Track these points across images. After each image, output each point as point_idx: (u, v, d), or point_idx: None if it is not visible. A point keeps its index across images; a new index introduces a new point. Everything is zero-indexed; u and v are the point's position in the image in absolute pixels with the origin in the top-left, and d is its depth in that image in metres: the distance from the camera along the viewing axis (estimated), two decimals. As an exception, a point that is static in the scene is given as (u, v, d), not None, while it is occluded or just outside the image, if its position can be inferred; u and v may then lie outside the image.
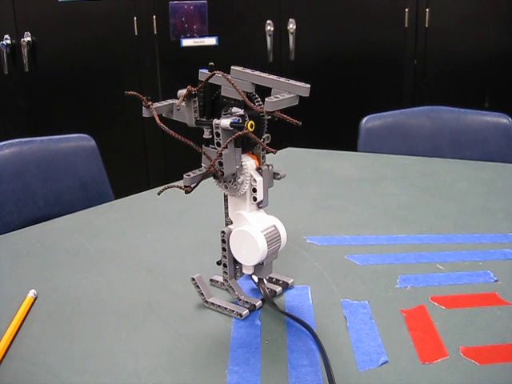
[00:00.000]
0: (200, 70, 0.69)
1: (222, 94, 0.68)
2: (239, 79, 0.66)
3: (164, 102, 0.71)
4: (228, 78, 0.66)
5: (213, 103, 0.70)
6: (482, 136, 1.56)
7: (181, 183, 0.70)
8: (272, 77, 0.65)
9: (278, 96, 0.64)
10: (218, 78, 0.67)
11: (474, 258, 0.86)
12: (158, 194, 0.71)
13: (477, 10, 2.29)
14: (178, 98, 0.70)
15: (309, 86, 0.63)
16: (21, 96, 2.43)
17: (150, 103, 0.69)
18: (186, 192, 0.69)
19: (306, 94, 0.64)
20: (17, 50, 2.36)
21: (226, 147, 0.67)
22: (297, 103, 0.65)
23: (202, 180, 0.69)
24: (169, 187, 0.71)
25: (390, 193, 1.13)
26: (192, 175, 0.69)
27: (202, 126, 0.71)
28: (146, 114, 0.70)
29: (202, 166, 0.70)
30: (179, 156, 2.43)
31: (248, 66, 0.68)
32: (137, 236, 0.97)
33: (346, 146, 1.48)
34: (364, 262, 0.85)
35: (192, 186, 0.69)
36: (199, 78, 0.69)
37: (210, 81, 0.67)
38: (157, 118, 0.69)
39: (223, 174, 0.68)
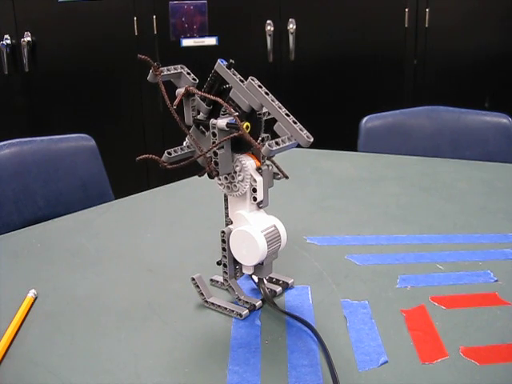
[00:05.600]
0: (218, 61, 0.68)
1: (231, 95, 0.67)
2: (251, 93, 0.66)
3: (172, 70, 0.71)
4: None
5: (220, 94, 0.70)
6: (482, 136, 1.56)
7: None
8: (282, 111, 0.65)
9: (279, 142, 0.64)
10: (230, 78, 0.67)
11: (474, 257, 0.86)
12: (137, 160, 0.70)
13: (477, 9, 2.29)
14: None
15: (311, 139, 0.63)
16: (21, 96, 2.43)
17: (159, 72, 0.69)
18: (162, 167, 0.69)
19: (305, 146, 0.64)
20: (17, 50, 2.36)
21: (220, 146, 0.67)
22: (294, 147, 0.65)
23: (185, 165, 0.69)
24: (150, 158, 0.70)
25: (390, 193, 1.13)
26: (173, 154, 0.69)
27: (200, 125, 0.71)
28: (151, 78, 0.70)
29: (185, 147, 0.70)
30: (179, 156, 2.43)
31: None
32: (137, 236, 0.97)
33: (346, 146, 1.48)
34: (364, 262, 0.85)
35: (170, 165, 0.69)
36: (215, 68, 0.68)
37: (224, 76, 0.67)
38: (161, 86, 0.68)
39: (218, 173, 0.68)
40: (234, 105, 0.68)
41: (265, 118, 0.70)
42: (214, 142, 0.68)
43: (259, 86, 0.65)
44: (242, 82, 0.67)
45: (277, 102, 0.65)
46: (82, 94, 2.44)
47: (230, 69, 0.67)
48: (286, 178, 0.68)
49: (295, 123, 0.64)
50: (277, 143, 0.64)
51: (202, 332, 0.69)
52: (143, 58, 0.68)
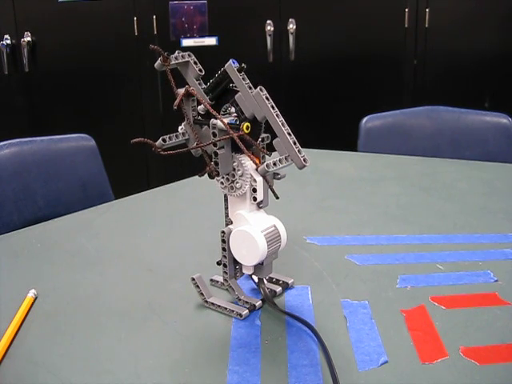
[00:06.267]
0: (230, 61, 0.67)
1: (236, 99, 0.67)
2: (257, 103, 0.66)
3: (180, 59, 0.70)
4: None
5: (225, 92, 0.70)
6: (482, 136, 1.56)
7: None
8: (285, 128, 0.65)
9: (276, 163, 0.65)
10: (238, 82, 0.66)
11: (474, 257, 0.86)
12: (132, 143, 0.70)
13: (477, 10, 2.29)
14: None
15: (307, 164, 0.64)
16: (21, 96, 2.43)
17: (167, 62, 0.69)
18: (156, 152, 0.69)
19: (300, 168, 0.65)
20: (17, 50, 2.36)
21: (220, 146, 0.67)
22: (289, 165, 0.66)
23: (178, 153, 0.69)
24: (145, 141, 0.70)
25: (390, 193, 1.13)
26: (168, 142, 0.70)
27: (200, 125, 0.71)
28: (158, 66, 0.70)
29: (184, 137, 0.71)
30: (179, 156, 2.43)
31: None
32: (137, 236, 0.97)
33: (346, 146, 1.48)
34: (364, 262, 0.85)
35: (164, 151, 0.69)
36: (225, 67, 0.67)
37: (232, 78, 0.67)
38: (169, 76, 0.68)
39: (218, 173, 0.68)
40: (238, 108, 0.67)
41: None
42: (214, 144, 0.68)
43: (267, 98, 0.65)
44: (251, 88, 0.66)
45: (281, 118, 0.65)
46: (82, 93, 2.44)
47: (240, 72, 0.66)
48: (277, 198, 0.69)
49: (295, 144, 0.65)
50: (274, 164, 0.65)
51: (202, 332, 0.69)
52: (155, 48, 0.69)
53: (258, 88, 0.65)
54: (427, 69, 2.38)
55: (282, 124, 0.65)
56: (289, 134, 0.65)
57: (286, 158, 0.65)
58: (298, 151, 0.65)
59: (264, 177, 0.68)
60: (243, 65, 0.66)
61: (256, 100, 0.65)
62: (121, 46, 2.39)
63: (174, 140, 0.71)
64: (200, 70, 0.71)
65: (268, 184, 0.69)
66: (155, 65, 0.70)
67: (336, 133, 2.43)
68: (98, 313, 0.74)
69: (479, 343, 0.66)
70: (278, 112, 0.65)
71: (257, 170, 0.67)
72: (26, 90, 2.43)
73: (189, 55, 0.71)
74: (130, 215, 1.06)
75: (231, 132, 0.66)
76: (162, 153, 0.70)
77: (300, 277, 0.81)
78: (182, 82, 0.72)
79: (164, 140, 0.70)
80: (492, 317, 0.71)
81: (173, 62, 0.70)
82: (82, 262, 0.88)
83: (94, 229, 1.00)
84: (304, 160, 0.64)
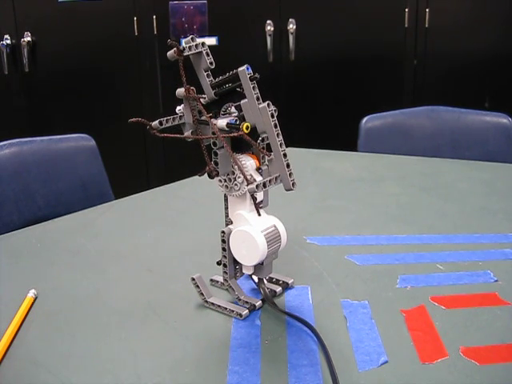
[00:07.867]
0: (244, 67, 0.66)
1: (242, 104, 0.67)
2: (261, 116, 0.65)
3: (193, 50, 0.70)
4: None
5: (231, 92, 0.70)
6: (482, 136, 1.56)
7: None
8: (281, 149, 0.65)
9: (266, 184, 0.65)
10: (248, 90, 0.66)
11: (474, 258, 0.86)
12: (129, 122, 0.70)
13: (477, 10, 2.29)
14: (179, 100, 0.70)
15: (294, 189, 0.66)
16: (21, 96, 2.43)
17: (181, 57, 0.69)
18: (152, 134, 0.70)
19: (287, 191, 0.67)
20: (17, 50, 2.36)
21: (220, 146, 0.67)
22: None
23: (175, 137, 0.69)
24: (142, 121, 0.70)
25: (390, 193, 1.13)
26: (164, 124, 0.70)
27: (200, 125, 0.71)
28: (169, 56, 0.70)
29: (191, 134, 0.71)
30: (179, 156, 2.44)
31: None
32: (137, 236, 0.97)
33: (346, 146, 1.48)
34: (364, 262, 0.85)
35: (160, 134, 0.70)
36: (238, 71, 0.66)
37: (243, 83, 0.66)
38: (181, 68, 0.68)
39: (218, 173, 0.68)
40: (241, 114, 0.67)
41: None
42: (214, 143, 0.68)
43: (272, 115, 0.65)
44: (258, 99, 0.66)
45: (280, 138, 0.65)
46: (82, 94, 2.44)
47: (252, 81, 0.66)
48: (259, 214, 0.70)
49: (288, 166, 0.66)
50: (264, 185, 0.65)
51: (202, 332, 0.69)
52: (172, 43, 0.68)
53: (266, 103, 0.65)
54: (427, 69, 2.38)
55: (281, 144, 0.65)
56: (284, 155, 0.65)
57: (275, 178, 0.66)
58: (289, 174, 0.66)
59: (252, 195, 0.69)
60: (257, 74, 0.66)
61: (261, 113, 0.65)
62: (121, 46, 2.39)
63: (170, 123, 0.71)
64: (211, 63, 0.71)
65: (254, 202, 0.69)
66: (167, 54, 0.70)
67: (336, 133, 2.43)
68: (98, 313, 0.74)
69: (479, 343, 0.66)
70: (280, 131, 0.65)
71: (259, 159, 0.69)
72: (25, 90, 2.43)
73: (202, 45, 0.71)
74: (130, 215, 1.06)
75: (219, 134, 0.66)
76: (158, 134, 0.70)
77: (300, 277, 0.81)
78: (182, 83, 0.71)
79: (161, 123, 0.70)
80: (492, 317, 0.71)
81: (186, 54, 0.70)
82: (82, 261, 0.88)
83: (94, 229, 1.00)
84: (292, 184, 0.66)
